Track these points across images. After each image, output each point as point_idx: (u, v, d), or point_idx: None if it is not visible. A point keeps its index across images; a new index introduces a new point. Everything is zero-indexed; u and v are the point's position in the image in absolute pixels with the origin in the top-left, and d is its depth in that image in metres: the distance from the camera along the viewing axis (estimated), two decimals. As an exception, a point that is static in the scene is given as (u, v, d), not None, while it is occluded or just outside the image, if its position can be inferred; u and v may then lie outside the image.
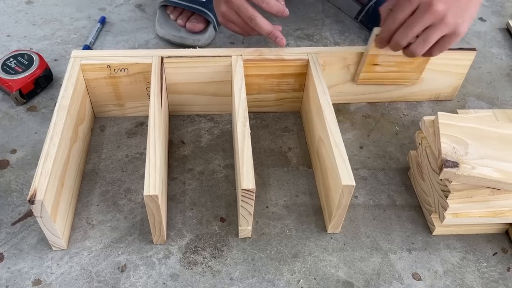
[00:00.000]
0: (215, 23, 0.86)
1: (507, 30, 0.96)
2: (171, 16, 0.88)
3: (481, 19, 0.99)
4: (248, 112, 0.61)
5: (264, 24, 0.68)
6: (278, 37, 0.69)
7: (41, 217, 0.52)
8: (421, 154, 0.63)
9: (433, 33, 0.60)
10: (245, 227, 0.58)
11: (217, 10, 0.72)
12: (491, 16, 1.00)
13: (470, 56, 0.74)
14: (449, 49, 0.74)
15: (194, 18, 0.86)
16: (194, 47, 0.84)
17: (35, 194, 0.50)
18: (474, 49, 0.74)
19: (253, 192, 0.53)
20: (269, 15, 0.69)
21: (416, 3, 0.59)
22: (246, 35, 0.73)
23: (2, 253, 0.57)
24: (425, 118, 0.61)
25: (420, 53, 0.62)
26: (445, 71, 0.75)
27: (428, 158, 0.60)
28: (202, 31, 0.86)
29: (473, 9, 0.60)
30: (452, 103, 0.80)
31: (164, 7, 0.89)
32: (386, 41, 0.64)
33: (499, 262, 0.59)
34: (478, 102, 0.80)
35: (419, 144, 0.63)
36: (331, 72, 0.72)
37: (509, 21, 0.96)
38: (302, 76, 0.71)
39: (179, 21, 0.86)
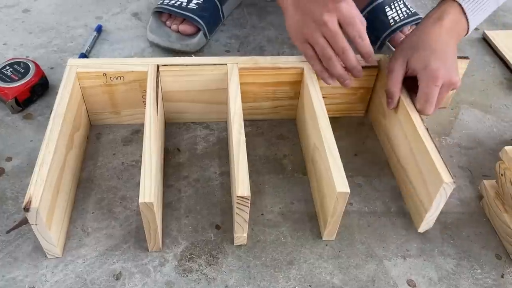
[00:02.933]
0: (206, 30, 0.87)
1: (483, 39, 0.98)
2: (167, 23, 0.89)
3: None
4: (244, 120, 0.61)
5: (354, 59, 0.63)
6: (348, 80, 0.66)
7: (36, 224, 0.52)
8: (503, 185, 0.61)
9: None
10: (241, 234, 0.58)
11: (297, 30, 0.65)
12: (484, 25, 1.01)
13: (463, 65, 0.75)
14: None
15: (186, 24, 0.87)
16: (184, 52, 0.85)
17: (30, 201, 0.50)
18: (467, 58, 0.75)
19: (249, 199, 0.53)
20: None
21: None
22: (319, 67, 0.66)
23: (-3, 261, 0.57)
24: (506, 148, 0.59)
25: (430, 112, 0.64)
26: (438, 79, 0.76)
27: None
28: (191, 36, 0.87)
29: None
30: (446, 110, 0.80)
31: (157, 13, 0.90)
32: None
33: (493, 269, 0.59)
34: (472, 110, 0.81)
35: (502, 176, 0.61)
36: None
37: (485, 31, 0.97)
38: (297, 84, 0.71)
39: (173, 27, 0.88)
